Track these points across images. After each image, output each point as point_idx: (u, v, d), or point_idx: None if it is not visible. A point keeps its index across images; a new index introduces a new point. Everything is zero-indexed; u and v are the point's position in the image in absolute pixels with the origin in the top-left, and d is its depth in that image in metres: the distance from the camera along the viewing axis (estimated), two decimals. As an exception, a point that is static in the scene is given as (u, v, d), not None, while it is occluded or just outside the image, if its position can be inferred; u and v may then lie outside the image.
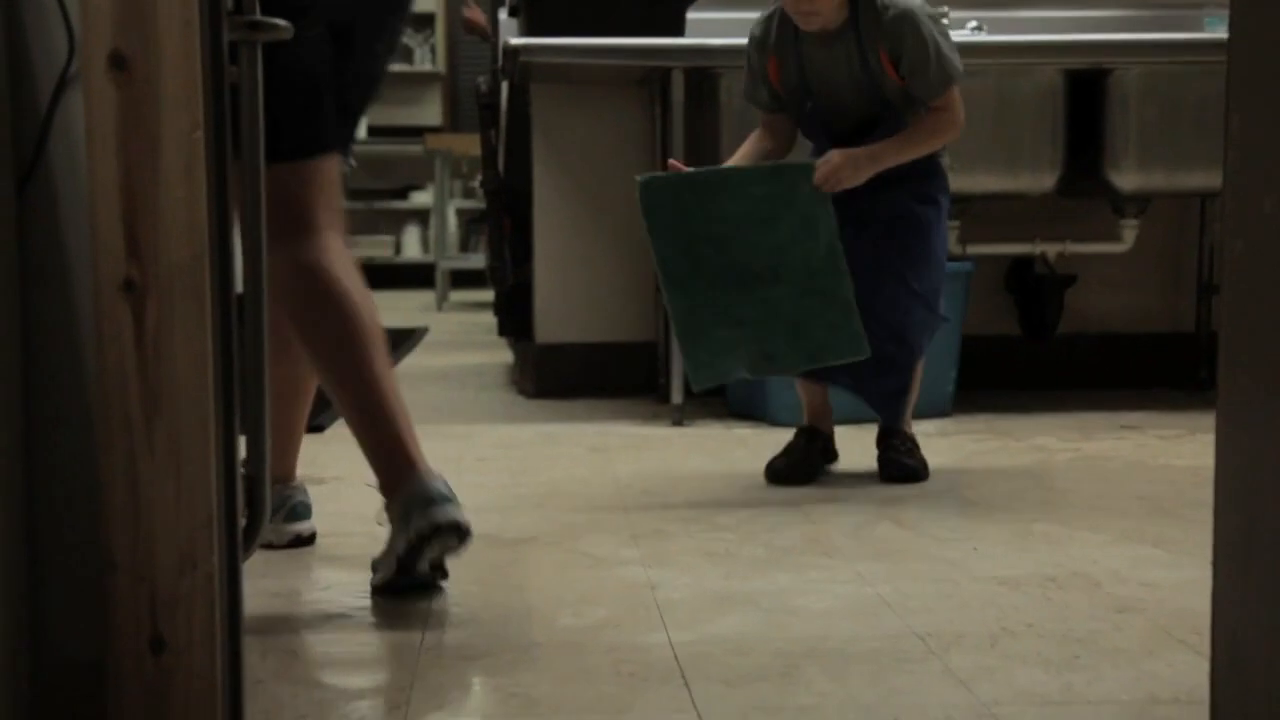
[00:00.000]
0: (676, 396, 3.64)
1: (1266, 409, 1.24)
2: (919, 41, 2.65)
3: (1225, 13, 1.33)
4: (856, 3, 2.69)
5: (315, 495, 2.80)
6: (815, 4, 2.65)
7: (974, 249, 3.85)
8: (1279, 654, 1.23)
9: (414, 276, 9.71)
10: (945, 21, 4.00)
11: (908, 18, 2.66)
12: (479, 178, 5.15)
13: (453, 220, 8.97)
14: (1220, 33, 3.82)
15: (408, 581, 2.01)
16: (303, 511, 2.39)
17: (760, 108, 2.86)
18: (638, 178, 2.60)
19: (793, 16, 2.70)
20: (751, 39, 2.82)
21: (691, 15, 3.90)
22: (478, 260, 8.17)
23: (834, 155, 2.61)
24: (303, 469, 3.06)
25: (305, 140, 2.05)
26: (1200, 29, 4.12)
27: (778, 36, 2.78)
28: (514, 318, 4.36)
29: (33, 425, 1.44)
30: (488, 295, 6.61)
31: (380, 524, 2.07)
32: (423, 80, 10.17)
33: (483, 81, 4.79)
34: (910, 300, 2.73)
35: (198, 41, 1.33)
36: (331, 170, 2.12)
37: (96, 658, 1.36)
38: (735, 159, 2.83)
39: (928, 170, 2.80)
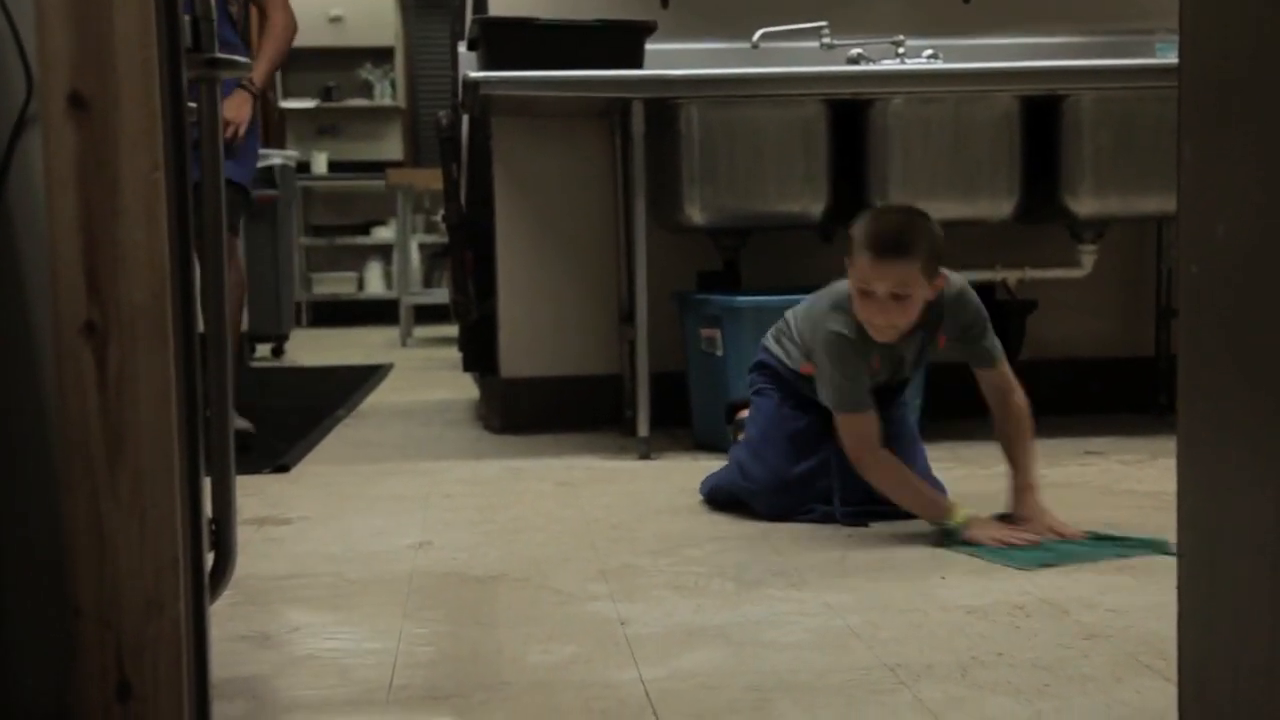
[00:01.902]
0: (643, 429, 3.63)
1: (1224, 433, 1.25)
2: (978, 315, 2.72)
3: (1175, 39, 1.34)
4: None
5: (282, 536, 2.78)
6: (896, 320, 2.62)
7: (935, 277, 3.87)
8: (1245, 678, 1.24)
9: (377, 312, 9.68)
10: (901, 51, 4.05)
11: (962, 296, 2.71)
12: (441, 212, 5.15)
13: (416, 255, 8.95)
14: (1171, 58, 3.87)
15: None
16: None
17: (870, 408, 2.68)
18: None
19: (871, 331, 2.64)
20: (850, 343, 2.65)
21: (650, 46, 3.92)
22: (441, 295, 8.16)
23: (1037, 517, 2.65)
24: (269, 509, 3.04)
25: None
26: (1151, 54, 4.17)
27: (867, 337, 2.68)
28: (478, 352, 4.35)
29: (-7, 470, 1.42)
30: (452, 330, 6.60)
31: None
32: (383, 115, 10.17)
33: (443, 115, 4.79)
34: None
35: (157, 81, 1.33)
36: None
37: (62, 705, 1.34)
38: (918, 483, 2.70)
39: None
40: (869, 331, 2.65)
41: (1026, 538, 2.53)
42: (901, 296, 2.59)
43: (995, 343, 2.74)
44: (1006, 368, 2.74)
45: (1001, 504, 2.95)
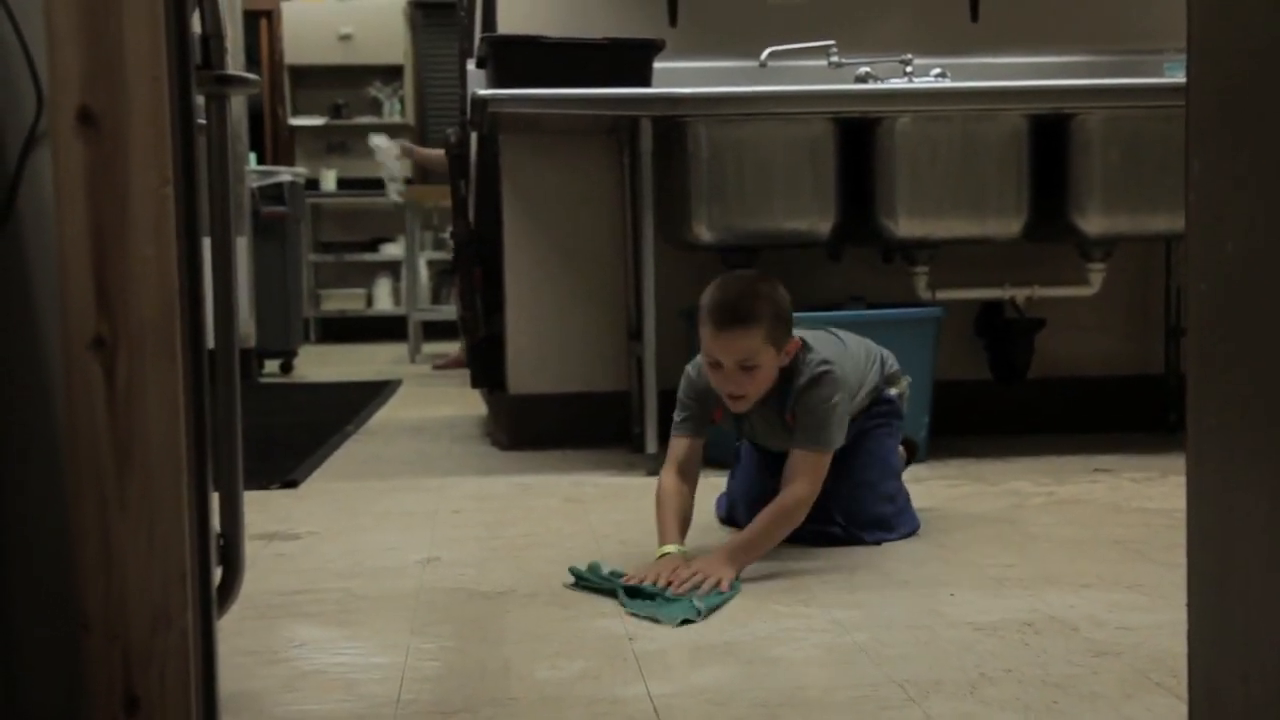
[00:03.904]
0: (651, 446, 3.63)
1: (1235, 450, 1.25)
2: (819, 407, 2.58)
3: (1183, 58, 1.34)
4: (785, 370, 2.61)
5: (290, 551, 2.78)
6: (744, 388, 2.56)
7: (943, 294, 3.87)
8: (1256, 696, 1.23)
9: (386, 329, 9.70)
10: (908, 70, 4.06)
11: (816, 384, 2.58)
12: (449, 229, 5.16)
13: (424, 272, 8.97)
14: (1179, 77, 3.88)
15: None
16: None
17: (696, 437, 2.68)
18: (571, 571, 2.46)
19: (726, 401, 2.61)
20: (693, 385, 2.67)
21: (658, 65, 3.93)
22: (450, 312, 8.17)
23: (700, 563, 2.43)
24: (277, 524, 3.04)
25: None
26: (1160, 74, 4.17)
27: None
28: (486, 369, 4.35)
29: (2, 483, 1.42)
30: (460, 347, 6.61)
31: None
32: (392, 132, 10.19)
33: (452, 133, 4.80)
34: (864, 491, 2.76)
35: (166, 97, 1.33)
36: None
37: (69, 718, 1.34)
38: (663, 513, 2.60)
39: (887, 411, 2.85)
40: (725, 403, 2.61)
41: (658, 579, 2.36)
42: (750, 367, 2.53)
43: (820, 435, 2.57)
44: (811, 460, 2.56)
45: (1006, 520, 2.95)
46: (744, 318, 2.51)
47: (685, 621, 2.17)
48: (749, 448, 2.88)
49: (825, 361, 2.62)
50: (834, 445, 2.60)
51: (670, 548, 2.51)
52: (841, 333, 2.88)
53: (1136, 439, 4.05)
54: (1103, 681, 1.83)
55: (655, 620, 2.19)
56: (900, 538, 2.76)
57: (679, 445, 2.67)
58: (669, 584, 2.32)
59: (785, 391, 2.62)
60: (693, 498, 2.64)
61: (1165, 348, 4.25)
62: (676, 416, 2.71)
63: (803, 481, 2.55)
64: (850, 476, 2.73)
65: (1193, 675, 1.35)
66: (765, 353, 2.53)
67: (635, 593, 2.31)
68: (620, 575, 2.39)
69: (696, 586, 2.31)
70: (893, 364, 2.91)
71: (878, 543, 2.71)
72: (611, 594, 2.34)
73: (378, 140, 7.71)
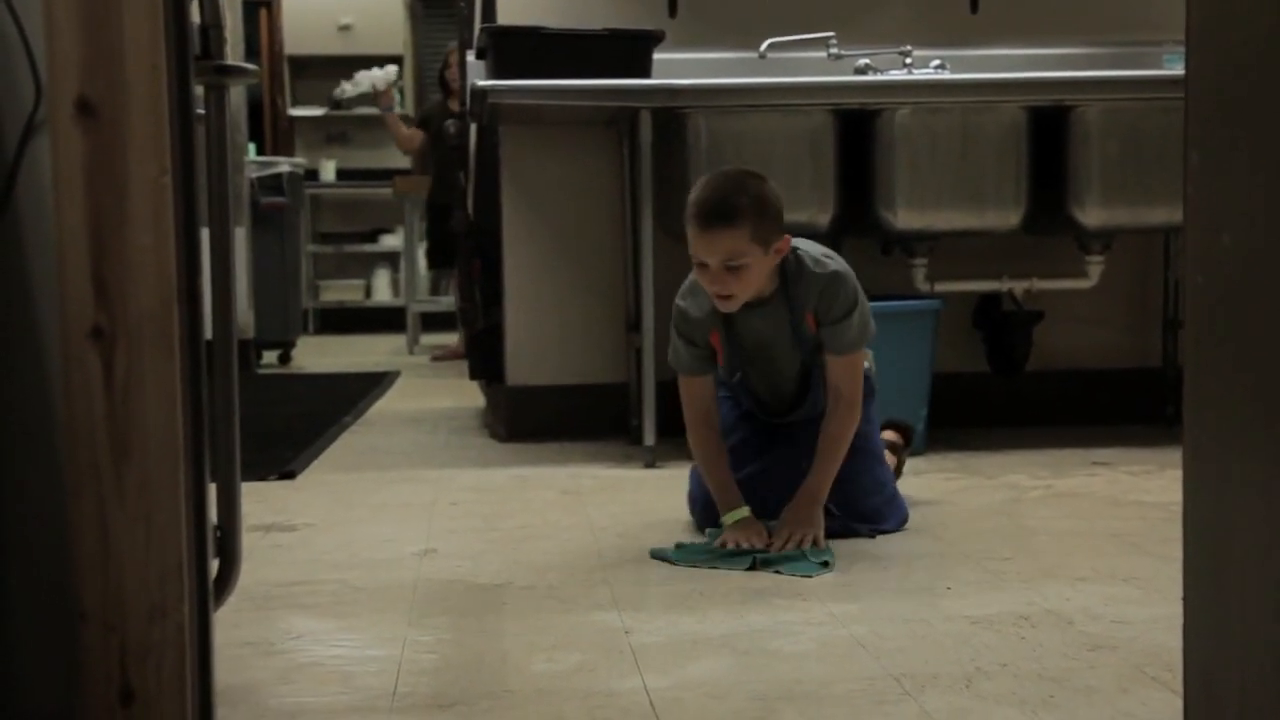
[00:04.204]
0: (649, 438, 3.63)
1: (1231, 444, 1.25)
2: (846, 300, 2.59)
3: (1182, 50, 1.34)
4: (786, 269, 2.60)
5: (287, 543, 2.78)
6: (731, 288, 2.52)
7: (941, 287, 3.87)
8: (1252, 691, 1.23)
9: (384, 320, 9.69)
10: (908, 61, 4.05)
11: (838, 278, 2.59)
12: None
13: (423, 263, 8.96)
14: (1178, 69, 3.88)
15: None
16: None
17: (699, 374, 2.67)
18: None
19: (713, 300, 2.59)
20: (684, 315, 2.65)
21: (658, 56, 3.92)
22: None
23: (788, 519, 2.52)
24: (275, 515, 3.05)
25: None
26: (1159, 66, 4.16)
27: (713, 308, 2.63)
28: (485, 360, 4.35)
29: (1, 474, 1.42)
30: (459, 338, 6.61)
31: None
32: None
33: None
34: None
35: (165, 87, 1.33)
36: None
37: (66, 709, 1.34)
38: (715, 469, 2.63)
39: (865, 391, 2.79)
40: (716, 304, 2.58)
41: (754, 543, 2.43)
42: (736, 266, 2.49)
43: (852, 334, 2.58)
44: (851, 363, 2.58)
45: (1003, 513, 2.96)
46: (728, 215, 2.46)
47: (824, 565, 2.37)
48: (744, 431, 2.81)
49: (828, 255, 2.60)
50: (870, 338, 2.62)
51: (743, 511, 2.53)
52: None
53: (1134, 432, 4.05)
54: (1099, 675, 1.83)
55: (791, 574, 2.35)
56: (896, 527, 2.76)
57: (693, 387, 2.62)
58: (767, 547, 2.38)
59: (790, 293, 2.58)
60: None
61: (1163, 340, 4.25)
62: (677, 355, 2.65)
63: (845, 394, 2.58)
64: (840, 469, 2.72)
65: (1188, 669, 1.35)
66: (752, 251, 2.48)
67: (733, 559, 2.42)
68: (707, 548, 2.47)
69: (799, 545, 2.40)
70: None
71: (873, 535, 2.71)
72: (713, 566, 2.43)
73: (375, 74, 7.66)
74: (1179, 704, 1.40)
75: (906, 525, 2.79)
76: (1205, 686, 1.32)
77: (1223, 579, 1.27)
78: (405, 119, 8.29)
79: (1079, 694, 1.76)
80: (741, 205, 2.48)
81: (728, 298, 2.54)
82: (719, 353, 2.70)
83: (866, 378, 2.79)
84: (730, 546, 2.41)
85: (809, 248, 2.66)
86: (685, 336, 2.67)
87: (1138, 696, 1.74)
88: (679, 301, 2.69)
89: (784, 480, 2.65)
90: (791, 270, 2.60)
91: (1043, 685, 1.79)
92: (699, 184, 2.57)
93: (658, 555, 2.50)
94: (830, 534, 2.65)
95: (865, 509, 2.73)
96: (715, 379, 2.71)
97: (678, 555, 2.51)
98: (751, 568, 2.41)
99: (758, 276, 2.54)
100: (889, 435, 3.08)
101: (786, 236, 2.57)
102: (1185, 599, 1.35)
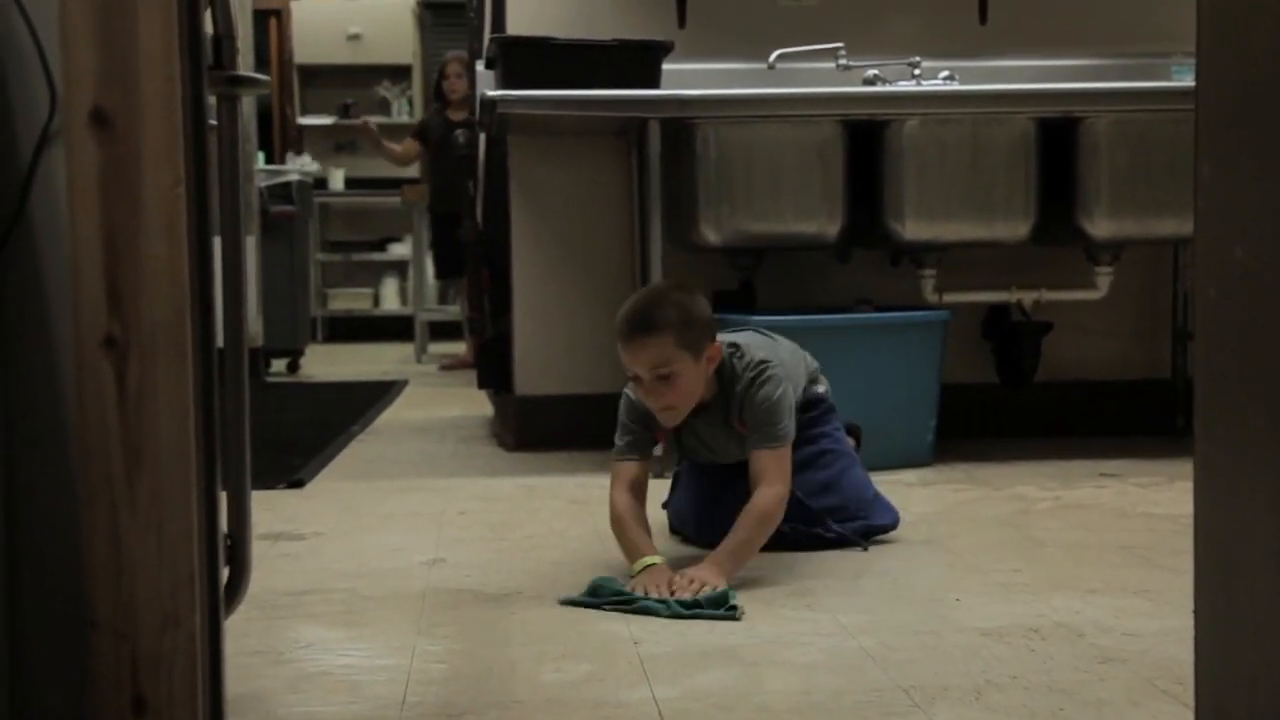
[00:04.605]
0: (657, 449, 3.62)
1: (1241, 455, 1.25)
2: (767, 405, 2.55)
3: (1192, 61, 1.34)
4: (722, 374, 2.59)
5: (296, 552, 2.78)
6: (667, 399, 2.51)
7: (950, 297, 3.87)
8: (1262, 705, 1.23)
9: (393, 328, 9.71)
10: (917, 72, 4.06)
11: (755, 383, 2.56)
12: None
13: (431, 272, 8.98)
14: (1187, 80, 3.87)
15: None
16: None
17: (640, 461, 2.64)
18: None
19: (657, 417, 2.58)
20: (633, 407, 2.62)
21: (667, 66, 3.93)
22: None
23: (690, 570, 2.41)
24: (284, 525, 3.05)
25: None
26: (1168, 77, 4.16)
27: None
28: (493, 369, 4.35)
29: (14, 482, 1.43)
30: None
31: None
32: (400, 132, 10.21)
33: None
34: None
35: (179, 97, 1.34)
36: None
37: (77, 716, 1.34)
38: (628, 529, 2.54)
39: (825, 410, 2.83)
40: (658, 418, 2.58)
41: (661, 590, 2.34)
42: (666, 375, 2.49)
43: (775, 430, 2.55)
44: (777, 456, 2.54)
45: (1012, 525, 2.95)
46: (649, 326, 2.48)
47: (730, 610, 2.21)
48: (689, 466, 2.85)
49: (763, 362, 2.59)
50: (790, 436, 2.58)
51: (654, 558, 2.45)
52: (767, 331, 2.87)
53: (1143, 443, 4.04)
54: (1109, 688, 1.83)
55: (694, 617, 2.21)
56: (892, 523, 2.79)
57: (625, 469, 2.61)
58: (671, 593, 2.31)
59: (727, 397, 2.60)
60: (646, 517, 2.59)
61: (1172, 352, 4.25)
62: (619, 441, 2.65)
63: (772, 480, 2.52)
64: (822, 488, 2.74)
65: (1199, 683, 1.35)
66: (680, 359, 2.48)
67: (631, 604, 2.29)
68: (621, 592, 2.34)
69: (696, 593, 2.29)
70: (813, 361, 2.91)
71: (866, 548, 2.70)
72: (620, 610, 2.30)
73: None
74: (1190, 717, 1.39)
75: (898, 525, 2.81)
76: (1216, 700, 1.32)
77: (1233, 592, 1.27)
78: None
79: (1089, 707, 1.76)
80: (664, 315, 2.49)
81: (668, 409, 2.55)
82: (663, 444, 2.72)
83: (823, 398, 2.84)
84: (639, 593, 2.37)
85: (751, 345, 2.65)
86: (634, 426, 2.64)
87: (1148, 710, 1.74)
88: (630, 393, 2.64)
89: (734, 510, 2.58)
90: (727, 375, 2.60)
91: (1053, 698, 1.79)
92: (629, 300, 2.60)
93: (567, 602, 2.36)
94: (827, 547, 2.67)
95: (855, 506, 2.76)
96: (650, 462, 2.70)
97: (589, 599, 2.36)
98: (667, 614, 2.27)
99: (692, 384, 2.53)
100: None
101: (718, 344, 2.56)
102: (1196, 612, 1.34)
